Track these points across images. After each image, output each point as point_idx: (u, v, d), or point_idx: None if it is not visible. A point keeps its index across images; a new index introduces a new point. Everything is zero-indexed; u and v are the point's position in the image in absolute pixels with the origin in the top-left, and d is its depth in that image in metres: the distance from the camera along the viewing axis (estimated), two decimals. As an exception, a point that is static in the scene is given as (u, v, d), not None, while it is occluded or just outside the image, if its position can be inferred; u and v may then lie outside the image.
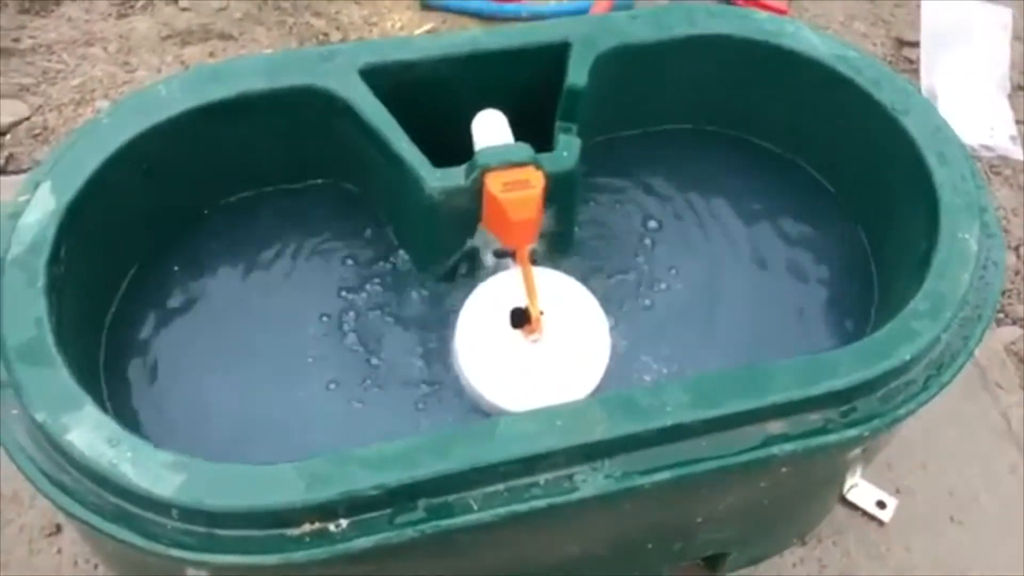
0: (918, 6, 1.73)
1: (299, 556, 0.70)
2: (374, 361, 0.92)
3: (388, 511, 0.72)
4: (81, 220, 0.84)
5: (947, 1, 1.72)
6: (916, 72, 1.67)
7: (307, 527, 0.70)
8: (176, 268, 0.95)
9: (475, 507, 0.73)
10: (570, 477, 0.75)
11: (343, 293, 0.96)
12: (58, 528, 1.09)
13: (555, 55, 0.96)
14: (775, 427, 0.78)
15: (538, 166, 0.89)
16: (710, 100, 1.05)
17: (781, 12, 1.71)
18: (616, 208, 1.03)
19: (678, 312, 0.97)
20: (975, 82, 1.64)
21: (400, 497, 0.72)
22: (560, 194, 0.92)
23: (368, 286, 0.96)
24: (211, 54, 1.59)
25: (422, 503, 0.72)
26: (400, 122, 0.90)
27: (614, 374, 0.90)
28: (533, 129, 0.93)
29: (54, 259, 0.81)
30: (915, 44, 1.70)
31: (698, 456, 0.76)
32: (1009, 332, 1.35)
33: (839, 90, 0.97)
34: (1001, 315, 1.38)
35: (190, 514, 0.70)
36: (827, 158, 1.04)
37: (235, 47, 1.60)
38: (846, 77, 0.97)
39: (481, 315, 0.92)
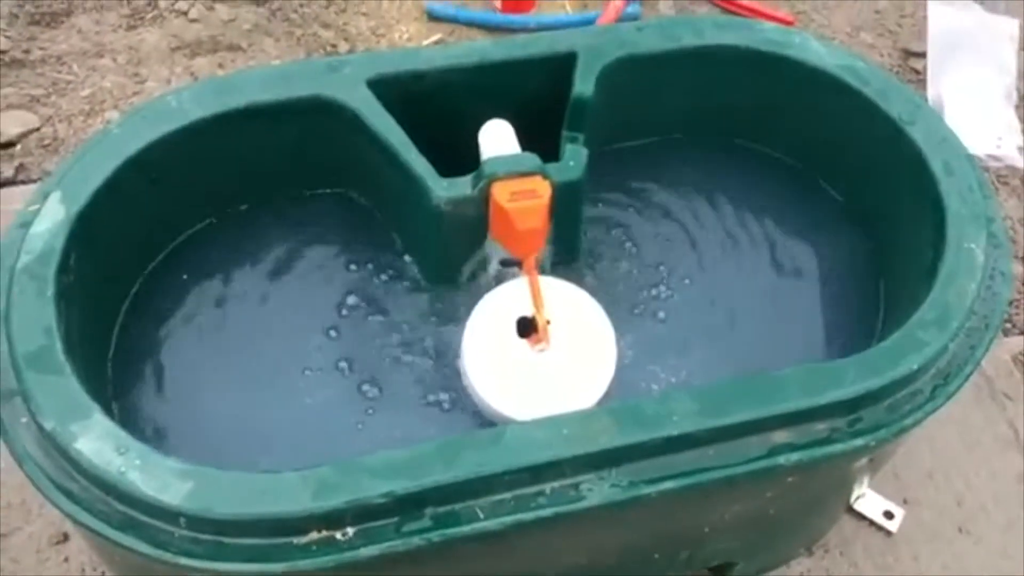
0: (925, 17, 1.73)
1: (306, 564, 0.70)
2: (381, 370, 0.92)
3: (395, 519, 0.72)
4: (90, 230, 0.84)
5: (954, 12, 1.72)
6: (923, 83, 1.67)
7: (314, 535, 0.71)
8: (184, 277, 0.95)
9: (481, 516, 0.73)
10: (576, 486, 0.75)
11: (350, 302, 0.96)
12: (65, 536, 1.09)
13: (562, 65, 0.96)
14: (781, 436, 0.78)
15: (545, 176, 0.90)
16: (716, 111, 1.05)
17: (787, 23, 1.71)
18: (622, 217, 1.04)
19: (685, 321, 0.97)
20: (982, 92, 1.64)
21: (407, 505, 0.72)
22: (567, 203, 0.92)
23: (375, 295, 0.97)
24: (220, 65, 1.59)
25: (429, 511, 0.72)
26: (408, 132, 0.91)
27: (620, 383, 0.90)
28: (540, 139, 0.93)
29: (63, 268, 0.81)
30: (922, 55, 1.70)
31: (704, 465, 0.77)
32: (1016, 342, 1.35)
33: (846, 100, 0.97)
34: (1008, 325, 1.38)
35: (198, 522, 0.70)
36: (834, 168, 1.04)
37: (244, 58, 1.61)
38: (853, 88, 0.97)
39: (488, 324, 0.92)
